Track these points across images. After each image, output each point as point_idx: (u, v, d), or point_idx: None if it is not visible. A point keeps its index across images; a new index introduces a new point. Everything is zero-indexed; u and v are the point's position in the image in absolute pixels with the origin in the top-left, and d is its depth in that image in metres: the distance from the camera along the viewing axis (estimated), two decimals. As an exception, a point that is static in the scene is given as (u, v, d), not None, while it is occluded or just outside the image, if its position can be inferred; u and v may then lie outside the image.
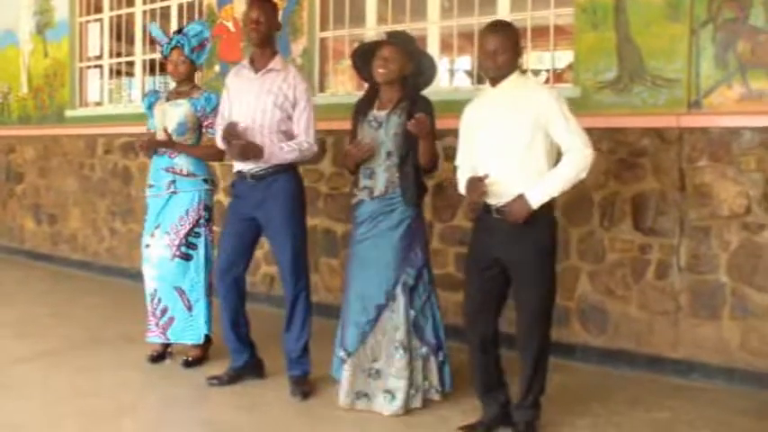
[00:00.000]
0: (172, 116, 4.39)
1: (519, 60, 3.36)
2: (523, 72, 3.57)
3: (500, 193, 3.22)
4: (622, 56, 4.39)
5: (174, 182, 4.40)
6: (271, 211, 3.93)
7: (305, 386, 3.93)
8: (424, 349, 3.70)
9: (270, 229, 3.98)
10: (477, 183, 3.21)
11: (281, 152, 3.89)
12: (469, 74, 6.89)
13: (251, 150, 3.83)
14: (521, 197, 3.17)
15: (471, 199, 3.27)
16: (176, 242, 4.37)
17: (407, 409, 3.63)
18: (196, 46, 4.46)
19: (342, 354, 3.72)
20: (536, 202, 3.16)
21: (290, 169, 3.99)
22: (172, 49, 4.44)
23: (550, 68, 5.24)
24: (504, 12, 4.96)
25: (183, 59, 4.44)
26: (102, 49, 7.73)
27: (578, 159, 3.19)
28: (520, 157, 3.21)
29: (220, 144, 4.08)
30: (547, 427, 3.46)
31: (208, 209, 4.47)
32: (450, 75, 6.58)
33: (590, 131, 4.37)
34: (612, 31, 4.41)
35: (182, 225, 4.38)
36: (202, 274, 4.41)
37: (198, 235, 4.41)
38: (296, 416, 3.68)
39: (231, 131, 3.85)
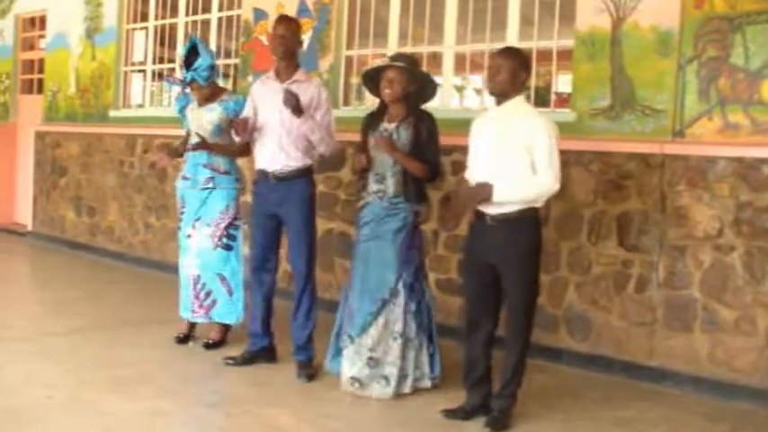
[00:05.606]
0: (208, 120, 4.84)
1: (520, 84, 3.74)
2: (527, 98, 3.96)
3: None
4: (615, 86, 4.76)
5: (212, 178, 4.87)
6: (290, 211, 4.41)
7: (309, 370, 4.36)
8: (417, 341, 4.12)
9: (288, 226, 4.45)
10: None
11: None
12: (478, 92, 7.29)
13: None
14: (489, 186, 3.59)
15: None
16: (218, 234, 4.85)
17: (398, 394, 4.05)
18: (208, 75, 4.87)
19: (345, 339, 4.15)
20: (497, 198, 3.59)
21: (308, 174, 4.46)
22: (189, 83, 4.90)
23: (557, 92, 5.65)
24: (512, 38, 5.35)
25: (201, 87, 4.89)
26: (146, 54, 8.29)
27: (543, 185, 3.63)
28: (512, 170, 3.63)
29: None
30: (521, 417, 3.84)
31: (238, 205, 4.96)
32: (461, 94, 6.98)
33: (582, 153, 4.84)
34: (608, 62, 4.79)
35: (222, 219, 4.87)
36: (241, 263, 4.92)
37: (237, 227, 4.93)
38: (297, 394, 4.13)
39: (242, 126, 4.34)
